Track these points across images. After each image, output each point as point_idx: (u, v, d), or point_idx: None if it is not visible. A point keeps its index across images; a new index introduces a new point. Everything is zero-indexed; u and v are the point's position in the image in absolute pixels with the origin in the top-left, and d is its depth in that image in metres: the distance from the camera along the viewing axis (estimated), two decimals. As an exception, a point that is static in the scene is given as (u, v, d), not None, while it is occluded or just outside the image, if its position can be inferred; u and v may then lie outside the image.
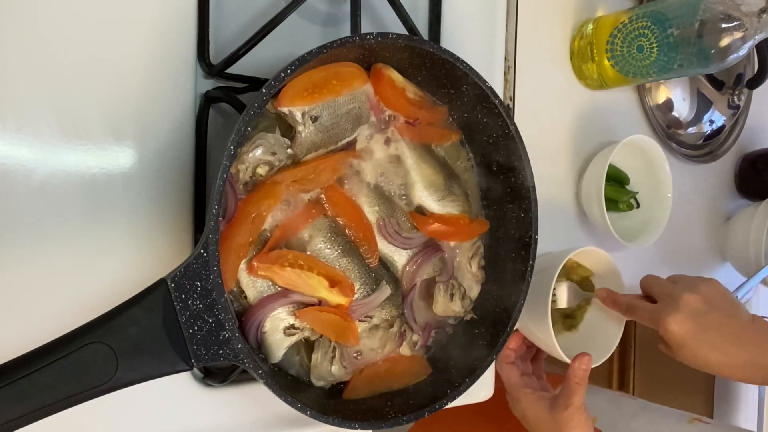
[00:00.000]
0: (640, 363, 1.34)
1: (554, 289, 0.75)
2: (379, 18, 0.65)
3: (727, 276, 1.04)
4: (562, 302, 0.77)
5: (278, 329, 0.51)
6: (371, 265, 0.55)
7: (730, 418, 1.40)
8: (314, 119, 0.51)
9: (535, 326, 0.73)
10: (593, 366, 0.69)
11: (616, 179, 0.87)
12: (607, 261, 0.77)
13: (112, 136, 0.50)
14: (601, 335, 0.77)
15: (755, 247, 0.98)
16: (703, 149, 1.00)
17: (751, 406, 1.42)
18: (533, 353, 0.80)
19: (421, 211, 0.59)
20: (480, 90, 0.56)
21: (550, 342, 0.71)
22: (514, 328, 0.76)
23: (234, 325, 0.44)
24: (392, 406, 0.55)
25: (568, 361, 0.69)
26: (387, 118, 0.57)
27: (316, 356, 0.53)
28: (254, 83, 0.56)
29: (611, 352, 0.76)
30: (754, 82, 0.95)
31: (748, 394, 1.41)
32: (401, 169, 0.58)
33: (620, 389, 1.33)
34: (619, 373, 1.34)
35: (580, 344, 0.75)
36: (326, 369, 0.53)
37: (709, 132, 1.00)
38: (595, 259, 0.78)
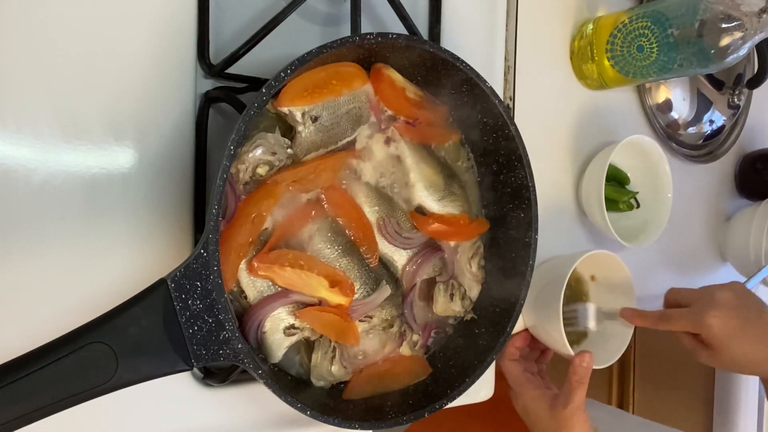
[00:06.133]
0: (639, 378, 1.34)
1: (579, 311, 0.76)
2: (379, 18, 0.64)
3: (727, 276, 1.04)
4: (591, 324, 0.77)
5: (278, 329, 0.51)
6: (371, 265, 0.55)
7: (729, 433, 1.40)
8: (314, 119, 0.51)
9: (545, 324, 0.74)
10: (597, 368, 0.69)
11: (616, 179, 0.87)
12: (619, 266, 0.77)
13: (112, 136, 0.50)
14: (608, 344, 0.77)
15: (755, 247, 0.97)
16: (703, 149, 1.00)
17: (750, 420, 1.41)
18: (538, 354, 0.80)
19: (421, 211, 0.59)
20: (480, 90, 0.57)
21: (560, 338, 0.71)
22: (523, 327, 0.77)
23: (234, 325, 0.44)
24: (392, 406, 0.55)
25: None
26: (387, 118, 0.57)
27: (316, 356, 0.53)
28: (254, 83, 0.56)
29: (616, 359, 0.76)
30: (754, 82, 0.94)
31: (747, 408, 1.40)
32: (401, 169, 0.58)
33: (620, 404, 1.33)
34: (618, 388, 1.34)
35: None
36: (326, 369, 0.53)
37: (709, 132, 1.00)
38: (608, 264, 0.78)
